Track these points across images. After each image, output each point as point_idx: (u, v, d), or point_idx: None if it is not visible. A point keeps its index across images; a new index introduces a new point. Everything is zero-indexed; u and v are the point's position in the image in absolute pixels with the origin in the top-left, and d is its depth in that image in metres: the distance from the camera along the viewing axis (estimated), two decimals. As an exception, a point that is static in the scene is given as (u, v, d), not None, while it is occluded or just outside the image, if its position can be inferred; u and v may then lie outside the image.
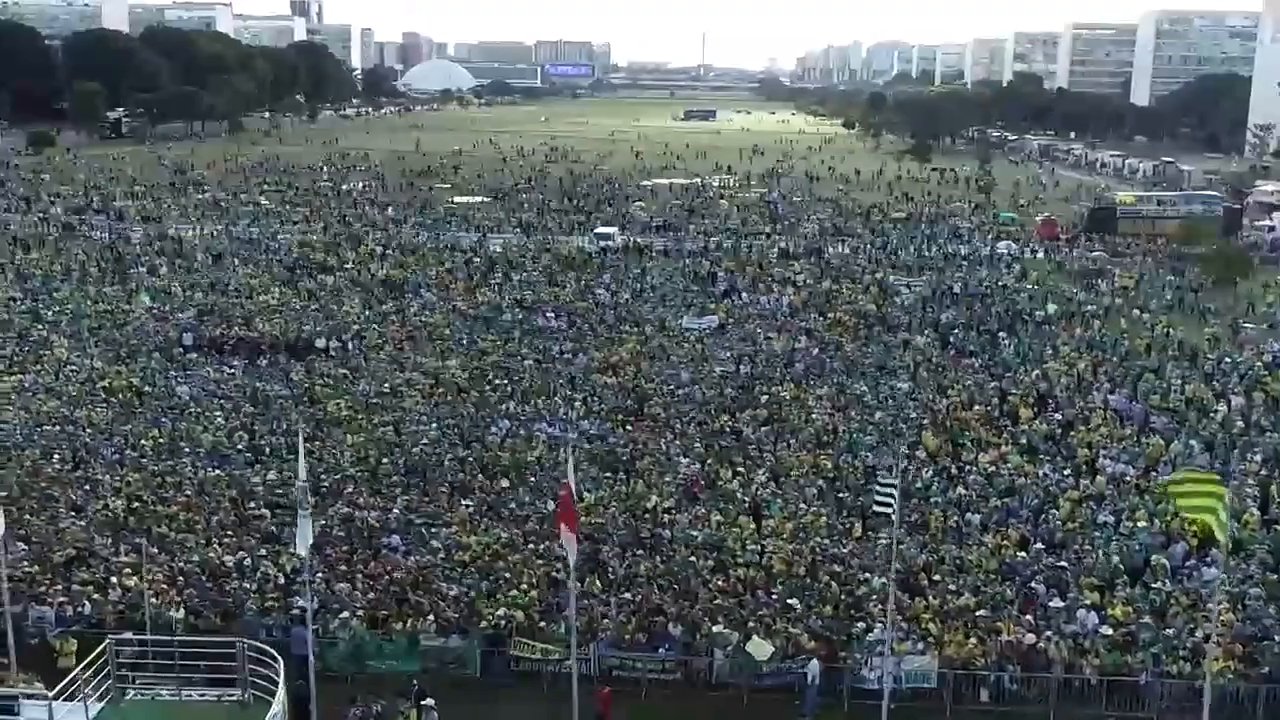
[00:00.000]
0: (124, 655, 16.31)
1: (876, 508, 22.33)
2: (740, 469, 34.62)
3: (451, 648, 25.17)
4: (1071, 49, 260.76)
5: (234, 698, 15.43)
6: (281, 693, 14.62)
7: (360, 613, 25.63)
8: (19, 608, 25.95)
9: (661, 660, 24.83)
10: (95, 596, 26.11)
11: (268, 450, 35.69)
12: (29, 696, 13.68)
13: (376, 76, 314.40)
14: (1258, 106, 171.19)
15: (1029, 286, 64.70)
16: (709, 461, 35.38)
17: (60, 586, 26.40)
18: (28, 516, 30.21)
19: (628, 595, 26.58)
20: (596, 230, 79.48)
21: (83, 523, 29.79)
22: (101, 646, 15.38)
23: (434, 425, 37.98)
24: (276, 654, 15.46)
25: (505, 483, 33.24)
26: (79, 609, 25.72)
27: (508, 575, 27.29)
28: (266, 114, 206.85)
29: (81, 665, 14.88)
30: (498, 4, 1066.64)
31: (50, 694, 13.91)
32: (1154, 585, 27.44)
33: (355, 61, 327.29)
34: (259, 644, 16.15)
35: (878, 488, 21.94)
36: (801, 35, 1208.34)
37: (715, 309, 56.41)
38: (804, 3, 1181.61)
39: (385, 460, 34.73)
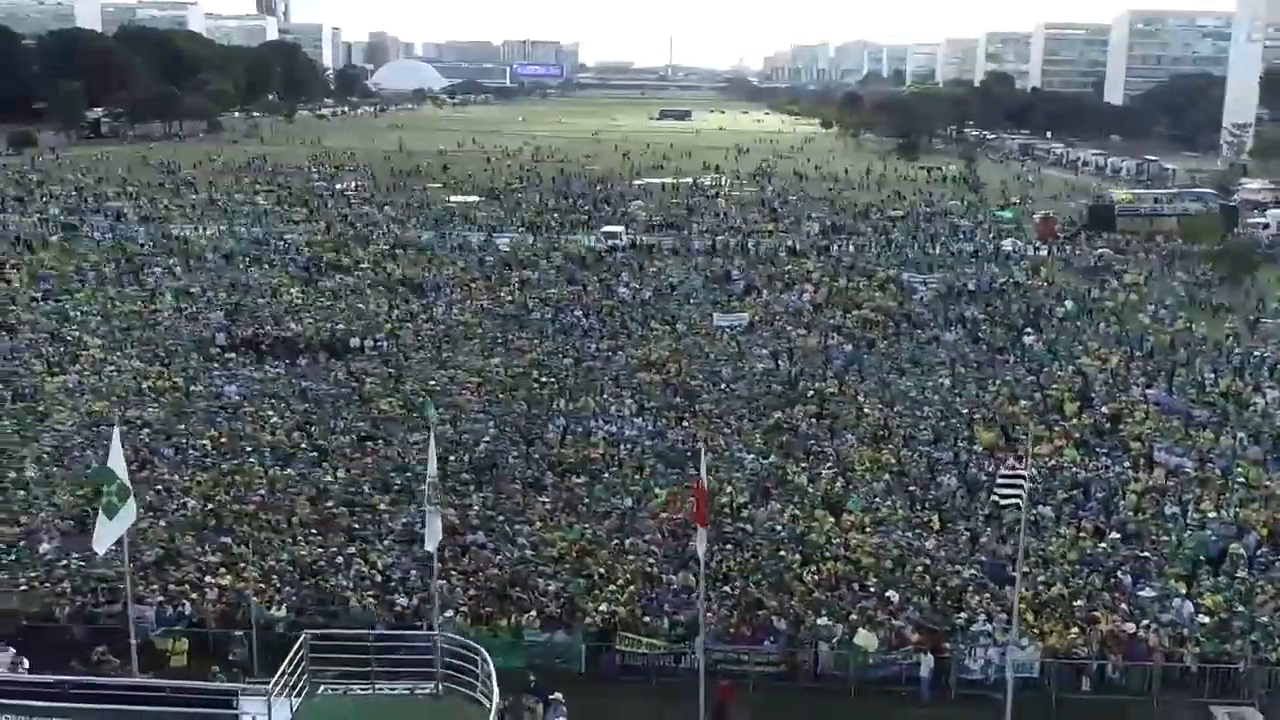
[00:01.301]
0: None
1: (1001, 499, 22.53)
2: (805, 464, 34.86)
3: (557, 643, 25.25)
4: (1044, 49, 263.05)
5: (427, 691, 15.46)
6: (494, 685, 14.64)
7: (465, 609, 25.66)
8: (118, 607, 25.90)
9: (767, 653, 25.01)
10: (193, 596, 25.99)
11: (329, 449, 35.56)
12: (248, 692, 13.69)
13: (349, 76, 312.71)
14: (1232, 106, 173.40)
15: (1041, 283, 65.30)
16: (771, 457, 35.58)
17: (156, 586, 26.25)
18: (107, 517, 29.97)
19: (726, 589, 26.74)
20: (604, 229, 79.57)
21: (163, 523, 29.60)
22: (299, 642, 15.36)
23: (491, 423, 38.00)
24: (479, 647, 15.51)
25: (578, 479, 33.31)
26: (179, 608, 25.62)
27: (602, 571, 27.40)
28: (241, 113, 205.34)
29: (286, 660, 14.86)
30: (462, 3, 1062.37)
31: (270, 688, 13.91)
32: (1236, 575, 27.90)
33: (327, 61, 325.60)
34: (458, 638, 16.20)
35: (1000, 480, 22.15)
36: (768, 35, 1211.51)
37: (741, 306, 56.67)
38: (769, 2, 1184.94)
39: (451, 458, 34.70)
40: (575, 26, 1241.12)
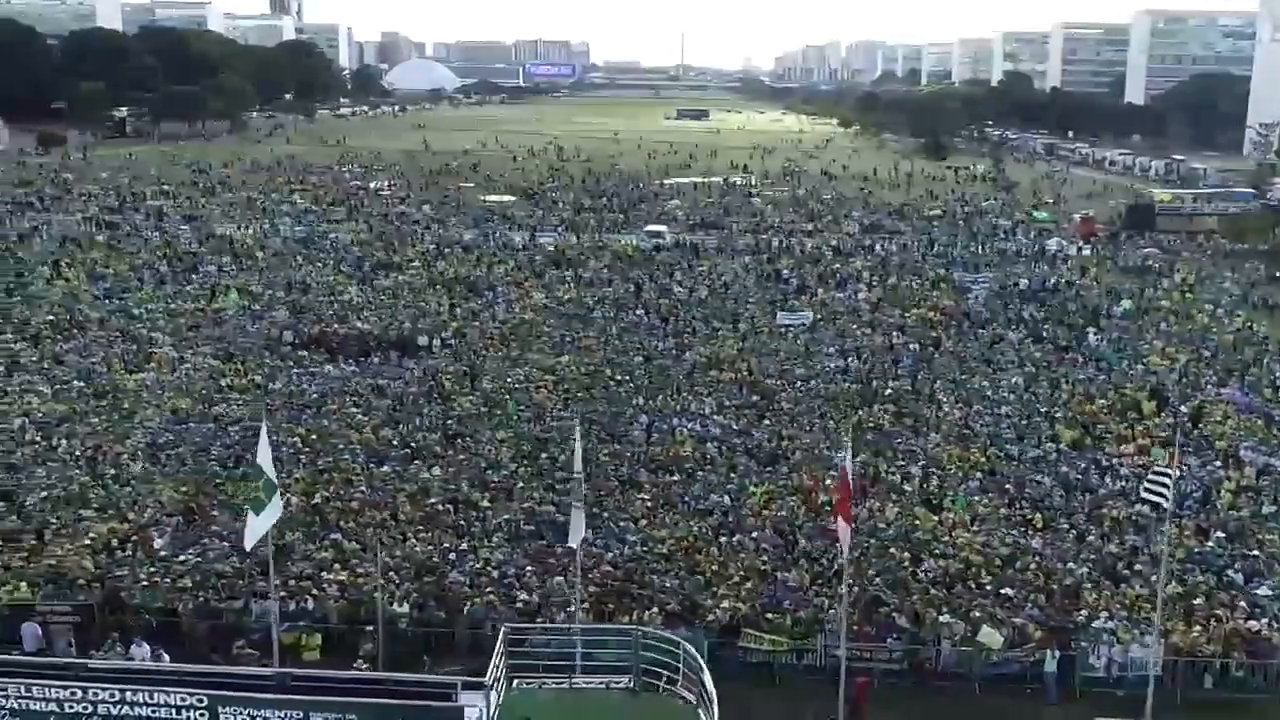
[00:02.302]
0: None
1: (1146, 498, 22.56)
2: (900, 462, 34.93)
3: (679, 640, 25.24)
4: (1062, 49, 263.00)
5: (622, 685, 15.53)
6: (705, 680, 14.68)
7: (586, 605, 25.70)
8: (240, 603, 26.05)
9: (890, 650, 25.05)
10: (315, 592, 26.10)
11: (419, 447, 35.63)
12: (467, 685, 13.76)
13: (365, 76, 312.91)
14: (1257, 105, 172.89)
15: (1091, 283, 65.27)
16: (860, 456, 35.55)
17: (277, 582, 26.30)
18: (214, 513, 30.19)
19: (844, 587, 26.75)
20: (648, 228, 79.81)
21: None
22: (500, 636, 15.44)
23: (575, 421, 37.97)
24: (681, 641, 15.57)
25: (672, 477, 33.38)
26: (301, 604, 25.71)
27: (715, 568, 27.48)
28: (260, 113, 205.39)
29: (495, 654, 14.94)
30: (470, 3, 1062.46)
31: (487, 682, 13.99)
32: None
33: (343, 61, 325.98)
34: (659, 633, 16.26)
35: (1150, 480, 22.17)
36: (776, 34, 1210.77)
37: (799, 305, 56.70)
38: (776, 2, 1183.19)
39: (542, 456, 34.81)
40: (583, 26, 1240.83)
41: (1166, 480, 21.31)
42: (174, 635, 24.99)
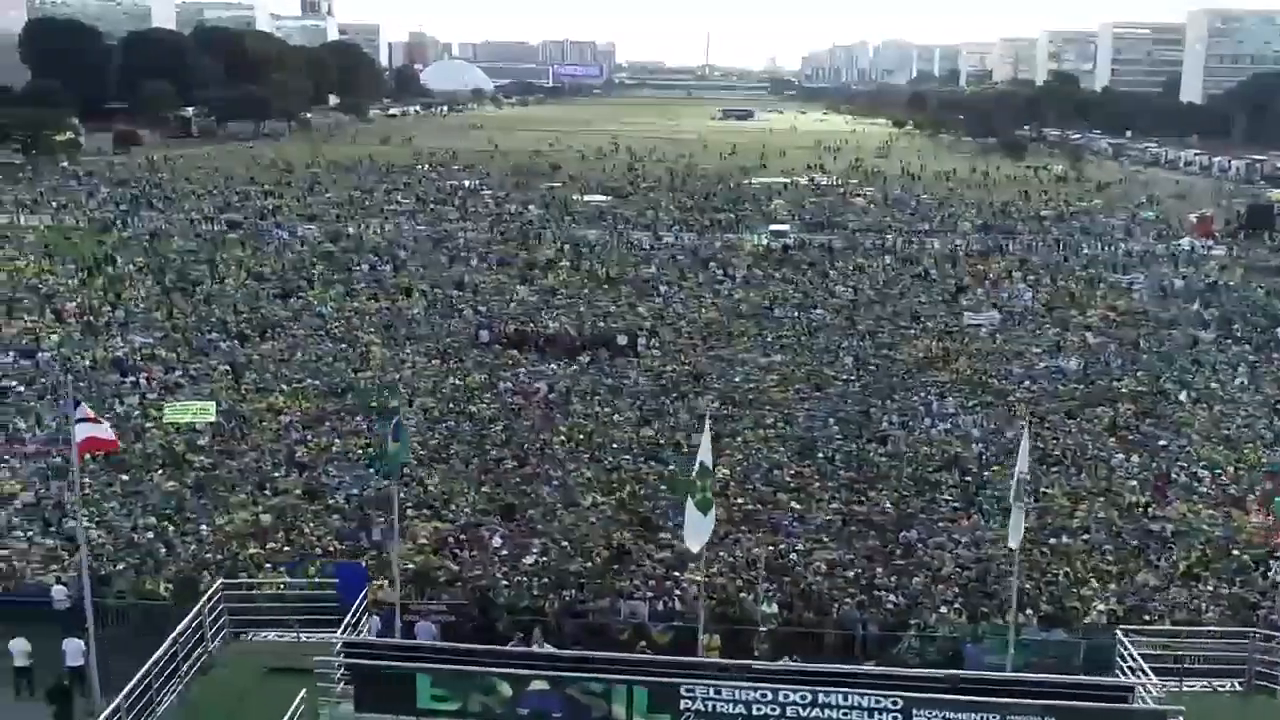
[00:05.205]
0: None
1: None
2: (1180, 462, 34.58)
3: (1054, 641, 24.94)
4: (1112, 49, 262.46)
5: (1229, 689, 15.22)
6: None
7: (958, 605, 25.44)
8: (605, 602, 25.79)
9: (1274, 652, 24.71)
10: (677, 591, 25.86)
11: (686, 446, 35.33)
12: (1145, 687, 13.49)
13: (404, 76, 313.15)
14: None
15: (1240, 282, 64.86)
16: (1134, 457, 35.23)
17: (636, 582, 26.14)
18: (529, 511, 29.98)
19: (1204, 588, 26.49)
20: (771, 228, 79.69)
21: (592, 519, 29.49)
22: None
23: (832, 421, 37.78)
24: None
25: (967, 477, 33.05)
26: (669, 603, 25.47)
27: (1068, 571, 27.14)
28: (318, 112, 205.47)
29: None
30: (491, 4, 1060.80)
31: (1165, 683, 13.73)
32: None
33: (383, 61, 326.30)
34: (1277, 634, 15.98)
35: None
36: (800, 34, 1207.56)
37: (974, 303, 56.40)
38: (801, 2, 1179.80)
39: (820, 455, 34.54)
40: (605, 26, 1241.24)
41: None
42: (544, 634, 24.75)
